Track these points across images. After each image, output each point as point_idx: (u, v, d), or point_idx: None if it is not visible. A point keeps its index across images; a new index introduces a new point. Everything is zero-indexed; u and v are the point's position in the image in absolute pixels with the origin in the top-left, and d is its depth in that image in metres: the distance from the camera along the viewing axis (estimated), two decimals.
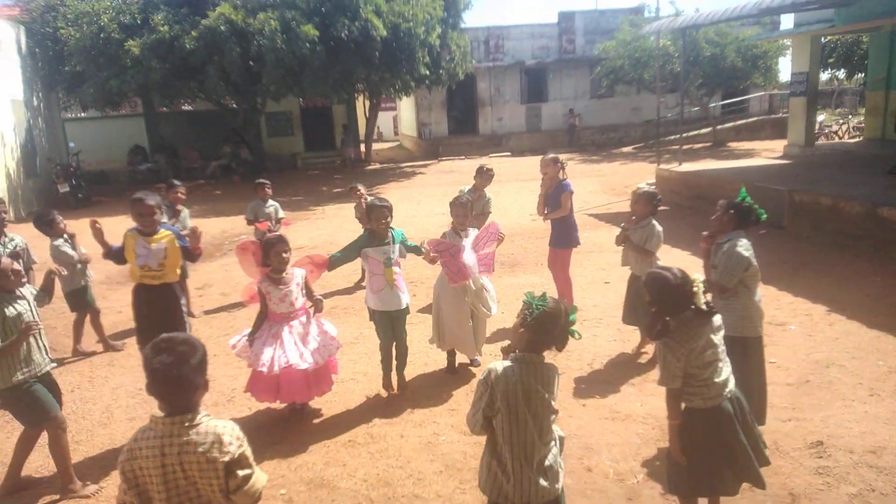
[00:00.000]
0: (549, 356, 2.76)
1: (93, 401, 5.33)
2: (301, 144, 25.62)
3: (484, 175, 6.89)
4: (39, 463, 4.25)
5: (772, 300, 6.57)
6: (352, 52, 16.73)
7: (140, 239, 4.57)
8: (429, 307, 6.88)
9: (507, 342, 2.97)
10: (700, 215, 10.56)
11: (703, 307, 2.96)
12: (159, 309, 4.62)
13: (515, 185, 15.89)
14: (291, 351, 4.35)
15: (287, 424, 4.70)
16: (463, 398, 4.92)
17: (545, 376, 2.69)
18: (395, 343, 4.97)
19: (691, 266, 4.34)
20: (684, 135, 16.55)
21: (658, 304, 2.97)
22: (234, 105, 20.77)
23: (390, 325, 4.90)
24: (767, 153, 18.48)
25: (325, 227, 12.59)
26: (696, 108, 24.44)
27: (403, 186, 18.13)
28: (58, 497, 3.94)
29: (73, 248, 6.04)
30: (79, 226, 6.43)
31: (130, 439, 2.19)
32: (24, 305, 3.80)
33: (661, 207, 5.68)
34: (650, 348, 5.54)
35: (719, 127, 24.13)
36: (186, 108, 24.45)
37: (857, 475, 3.69)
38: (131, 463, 2.14)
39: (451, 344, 5.33)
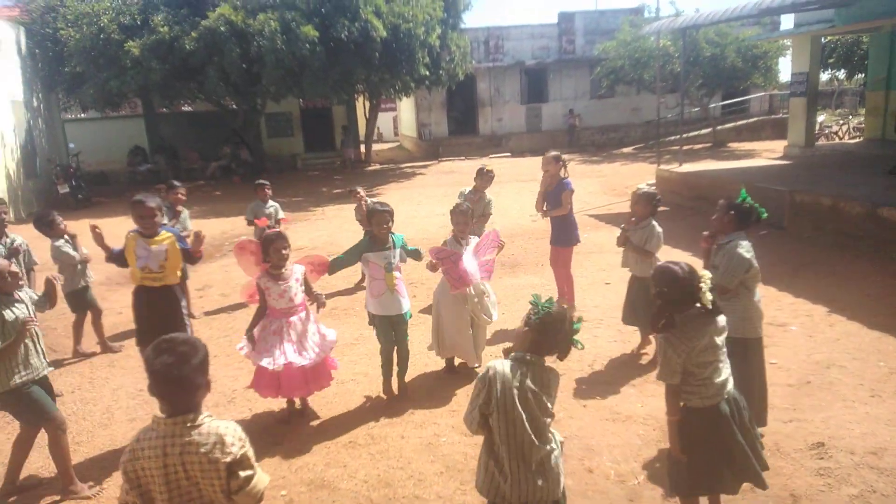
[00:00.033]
0: (551, 363, 2.76)
1: (93, 402, 5.33)
2: (301, 145, 25.62)
3: (484, 176, 6.89)
4: (40, 464, 4.26)
5: (772, 301, 6.57)
6: (352, 52, 16.74)
7: (141, 241, 4.57)
8: (429, 308, 6.88)
9: (508, 344, 2.97)
10: (700, 216, 10.56)
11: (710, 306, 2.96)
12: (160, 311, 4.62)
13: (515, 185, 15.89)
14: (290, 348, 4.41)
15: (288, 425, 4.70)
16: (463, 399, 4.91)
17: (544, 378, 2.70)
18: (396, 348, 4.96)
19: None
20: (684, 135, 16.55)
21: (664, 298, 2.96)
22: (234, 106, 20.77)
23: (391, 329, 4.88)
24: (768, 154, 18.48)
25: (324, 227, 12.58)
26: (696, 109, 24.45)
27: (403, 187, 18.13)
28: (59, 498, 3.94)
29: (75, 248, 6.04)
30: (79, 226, 6.43)
31: (133, 439, 2.19)
32: (22, 309, 3.77)
33: (661, 208, 5.68)
34: (650, 349, 5.53)
35: (719, 127, 24.13)
36: (186, 108, 24.48)
37: (858, 476, 3.69)
38: (133, 463, 2.14)
39: (450, 351, 5.32)
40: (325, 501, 3.77)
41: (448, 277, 5.01)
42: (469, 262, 5.00)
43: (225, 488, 2.12)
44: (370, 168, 23.80)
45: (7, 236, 5.85)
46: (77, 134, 22.77)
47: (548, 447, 2.71)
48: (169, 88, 17.57)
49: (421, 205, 14.61)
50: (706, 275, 2.97)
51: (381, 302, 4.78)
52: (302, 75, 16.81)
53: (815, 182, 10.56)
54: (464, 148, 25.88)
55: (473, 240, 5.23)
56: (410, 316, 5.04)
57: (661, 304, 2.97)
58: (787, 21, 23.62)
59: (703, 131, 24.10)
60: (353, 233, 9.96)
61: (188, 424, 2.12)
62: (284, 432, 4.60)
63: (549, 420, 2.71)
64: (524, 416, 2.63)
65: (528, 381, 2.65)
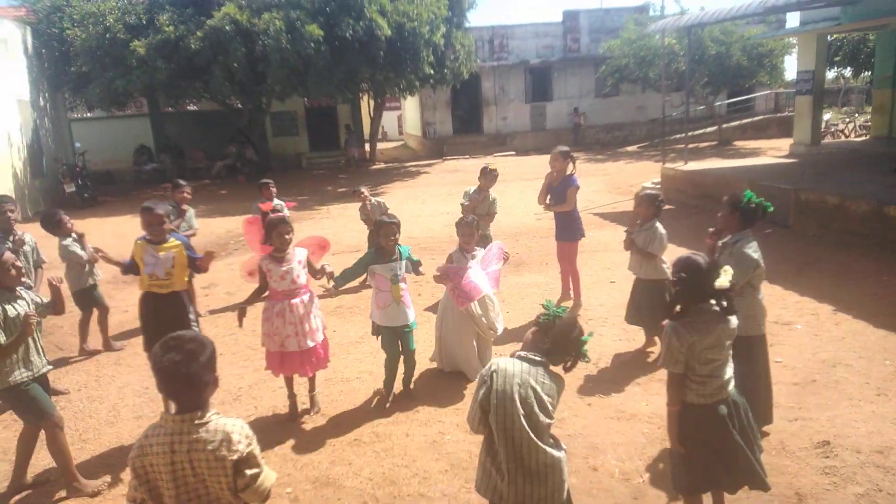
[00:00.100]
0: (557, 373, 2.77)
1: (99, 399, 5.36)
2: (306, 144, 25.65)
3: (488, 175, 6.89)
4: (48, 461, 4.28)
5: (777, 299, 6.56)
6: (356, 51, 16.75)
7: (149, 247, 4.60)
8: (433, 306, 6.90)
9: (514, 346, 2.98)
10: (705, 214, 10.54)
11: (724, 305, 2.95)
12: (167, 317, 4.62)
13: (520, 184, 15.87)
14: (291, 331, 4.52)
15: (293, 423, 4.72)
16: (468, 397, 4.92)
17: (547, 380, 2.69)
18: (402, 357, 4.94)
19: None
20: (689, 133, 16.48)
21: (682, 283, 2.96)
22: (240, 105, 20.82)
23: (396, 340, 4.86)
24: (773, 152, 18.42)
25: (329, 226, 12.60)
26: (701, 107, 24.37)
27: (408, 186, 18.14)
28: (65, 495, 3.96)
29: (82, 247, 6.07)
30: (85, 225, 6.46)
31: (141, 436, 2.21)
32: (23, 306, 3.77)
33: (667, 206, 5.67)
34: (656, 349, 5.53)
35: (725, 126, 24.05)
36: (192, 108, 24.55)
37: (864, 475, 3.68)
38: (142, 459, 2.15)
39: (451, 364, 5.30)
40: (331, 499, 3.79)
41: (454, 293, 4.95)
42: (476, 274, 4.95)
43: (231, 486, 2.14)
44: (375, 167, 23.82)
45: (15, 234, 5.88)
46: (83, 133, 22.85)
47: (550, 450, 2.68)
48: (174, 88, 17.62)
49: (425, 204, 14.62)
50: (727, 268, 2.99)
51: (387, 313, 4.77)
52: (307, 74, 16.84)
53: (820, 180, 10.52)
54: (468, 147, 25.88)
55: (479, 252, 5.19)
56: (416, 325, 5.00)
57: (678, 290, 2.98)
58: (793, 19, 23.60)
59: (709, 129, 24.03)
60: (358, 231, 9.97)
61: (196, 422, 2.13)
62: (289, 430, 4.61)
63: (548, 421, 2.69)
64: (522, 413, 2.61)
65: (531, 379, 2.65)
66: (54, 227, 5.97)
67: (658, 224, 5.36)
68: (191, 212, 7.50)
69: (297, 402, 4.85)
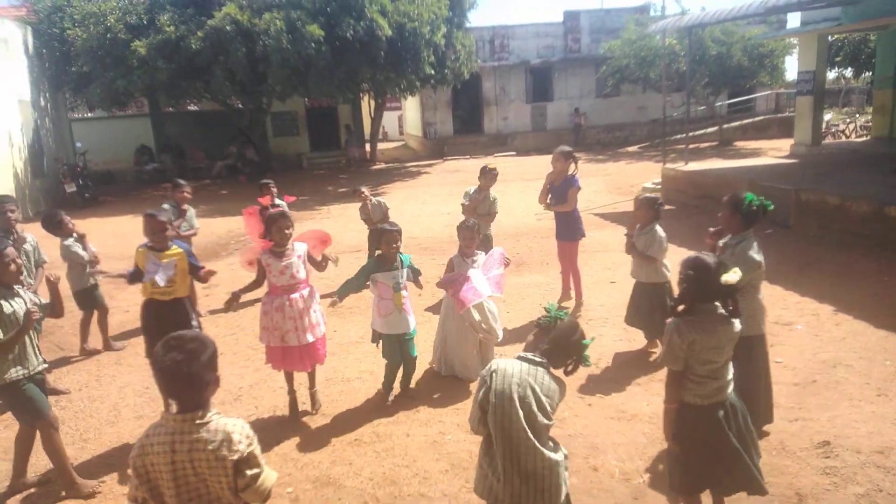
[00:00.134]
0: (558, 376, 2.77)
1: (100, 399, 5.36)
2: (306, 144, 25.65)
3: (488, 175, 6.90)
4: (46, 461, 4.28)
5: (778, 299, 6.56)
6: (357, 51, 16.75)
7: (151, 255, 4.61)
8: (433, 306, 6.90)
9: (514, 346, 2.99)
10: (706, 214, 10.53)
11: (731, 308, 2.95)
12: (169, 324, 4.60)
13: (521, 184, 15.88)
14: (290, 325, 4.53)
15: (293, 423, 4.72)
16: (469, 397, 4.92)
17: (546, 381, 2.69)
18: (403, 363, 4.94)
19: None
20: (690, 134, 16.47)
21: (689, 281, 2.96)
22: (240, 105, 20.81)
23: (398, 348, 4.86)
24: (774, 152, 18.42)
25: (330, 226, 12.60)
26: (702, 108, 24.36)
27: (408, 186, 18.14)
28: (64, 495, 3.96)
29: (83, 248, 6.08)
30: (86, 225, 6.47)
31: (142, 435, 2.21)
32: (20, 304, 3.77)
33: (667, 207, 5.68)
34: (656, 349, 5.53)
35: (725, 126, 24.04)
36: (192, 108, 24.54)
37: (864, 475, 3.68)
38: (143, 458, 2.16)
39: (451, 369, 5.30)
40: (331, 499, 3.79)
41: (456, 299, 4.93)
42: (478, 278, 4.94)
43: (232, 485, 2.14)
44: (375, 167, 23.82)
45: (16, 234, 5.88)
46: (84, 133, 22.85)
47: (547, 452, 2.67)
48: (175, 88, 17.62)
49: (426, 204, 14.62)
50: (737, 269, 2.99)
51: (389, 321, 4.77)
52: (307, 74, 16.84)
53: (821, 181, 10.51)
54: (469, 147, 25.88)
55: (481, 256, 5.18)
56: (416, 333, 4.99)
57: (685, 288, 2.98)
58: (794, 19, 23.60)
59: (709, 130, 24.03)
60: (359, 231, 9.98)
61: (197, 421, 2.13)
62: (290, 429, 4.62)
63: (547, 423, 2.68)
64: (521, 413, 2.61)
65: (530, 379, 2.65)
66: (55, 227, 5.97)
67: (658, 227, 5.36)
68: (191, 211, 7.51)
69: (298, 400, 4.85)
